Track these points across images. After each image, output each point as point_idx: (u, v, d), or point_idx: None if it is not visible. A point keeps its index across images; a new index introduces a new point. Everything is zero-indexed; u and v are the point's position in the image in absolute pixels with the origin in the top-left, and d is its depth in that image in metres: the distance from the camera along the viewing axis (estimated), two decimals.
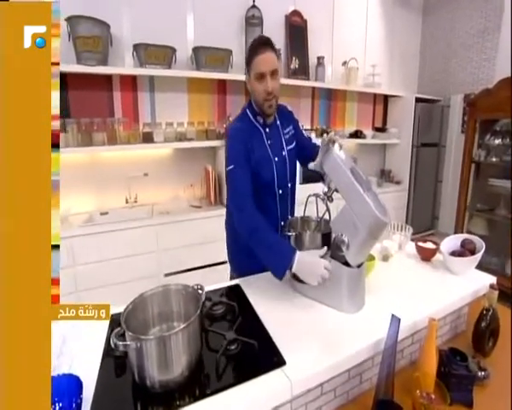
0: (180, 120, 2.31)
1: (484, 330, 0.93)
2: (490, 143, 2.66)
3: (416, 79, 3.80)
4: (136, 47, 2.03)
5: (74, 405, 0.55)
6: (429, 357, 0.75)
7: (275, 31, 2.58)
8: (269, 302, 0.91)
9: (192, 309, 0.71)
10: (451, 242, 1.18)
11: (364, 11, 3.19)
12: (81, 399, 0.58)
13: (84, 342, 0.77)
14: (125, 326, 0.61)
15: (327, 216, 0.99)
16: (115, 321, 0.76)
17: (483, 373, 0.83)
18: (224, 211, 1.31)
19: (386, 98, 3.58)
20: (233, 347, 0.73)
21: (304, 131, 1.26)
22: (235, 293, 0.97)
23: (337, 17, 2.99)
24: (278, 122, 1.15)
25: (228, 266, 1.29)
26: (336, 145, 0.91)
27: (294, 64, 2.69)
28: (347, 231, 0.84)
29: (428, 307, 0.89)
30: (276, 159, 1.11)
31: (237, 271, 1.20)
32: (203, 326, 0.77)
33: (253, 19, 2.44)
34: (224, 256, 1.31)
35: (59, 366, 0.67)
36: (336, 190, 0.91)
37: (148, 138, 2.16)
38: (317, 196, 0.97)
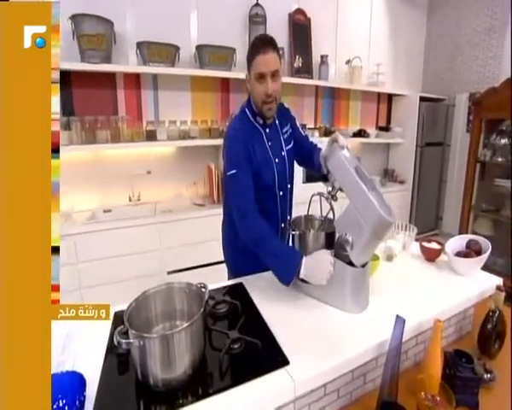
0: (183, 119, 2.31)
1: (490, 332, 0.92)
2: (495, 143, 2.63)
3: (421, 78, 3.76)
4: (139, 45, 2.03)
5: (78, 402, 0.55)
6: (434, 359, 0.75)
7: (278, 29, 2.57)
8: (272, 301, 0.91)
9: (195, 308, 0.71)
10: (456, 242, 1.17)
11: (369, 9, 3.16)
12: (84, 396, 0.58)
13: (88, 339, 0.77)
14: (127, 324, 0.61)
15: (331, 215, 0.99)
16: (119, 319, 0.76)
17: (489, 376, 0.82)
18: None
19: (390, 97, 3.55)
20: (236, 346, 0.72)
21: (301, 129, 1.21)
22: (238, 292, 0.97)
23: (341, 15, 2.97)
24: (277, 122, 1.12)
25: None
26: (340, 143, 0.90)
27: (298, 62, 2.68)
28: (351, 231, 0.83)
29: (433, 308, 0.88)
30: (277, 160, 1.09)
31: (234, 272, 1.17)
32: (206, 325, 0.77)
33: (256, 17, 2.42)
34: None
35: (63, 363, 0.67)
36: (341, 189, 0.91)
37: (151, 136, 2.16)
38: (321, 194, 0.96)
